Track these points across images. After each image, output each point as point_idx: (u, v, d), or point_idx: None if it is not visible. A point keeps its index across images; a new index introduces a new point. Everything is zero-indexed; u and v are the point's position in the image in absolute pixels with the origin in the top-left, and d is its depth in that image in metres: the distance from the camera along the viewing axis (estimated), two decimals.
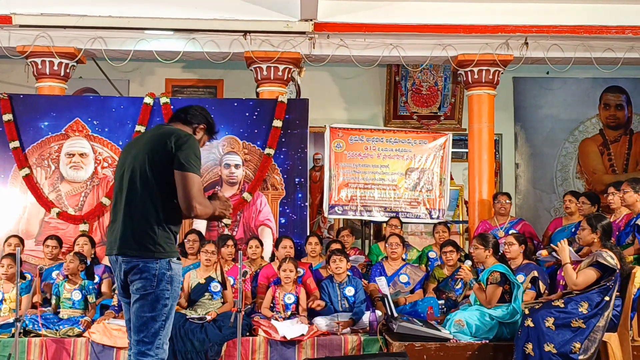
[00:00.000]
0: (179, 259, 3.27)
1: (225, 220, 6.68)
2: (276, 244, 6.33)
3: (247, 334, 5.33)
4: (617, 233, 5.66)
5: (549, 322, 4.63)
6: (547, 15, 6.84)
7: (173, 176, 3.14)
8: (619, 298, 4.75)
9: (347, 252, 6.28)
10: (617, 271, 4.70)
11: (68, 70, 7.16)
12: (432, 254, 6.63)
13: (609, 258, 4.72)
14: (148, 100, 6.78)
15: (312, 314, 5.66)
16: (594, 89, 9.32)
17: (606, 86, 9.29)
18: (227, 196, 3.42)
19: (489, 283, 5.20)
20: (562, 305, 4.69)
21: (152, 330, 3.13)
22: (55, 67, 7.05)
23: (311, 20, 6.58)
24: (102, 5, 6.64)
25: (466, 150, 7.68)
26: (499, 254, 5.47)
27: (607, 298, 4.64)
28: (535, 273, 5.49)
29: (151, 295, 3.13)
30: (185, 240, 6.25)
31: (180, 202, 3.11)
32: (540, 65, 7.55)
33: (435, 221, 7.01)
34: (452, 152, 7.48)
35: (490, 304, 5.14)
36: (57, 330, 5.31)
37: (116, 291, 5.75)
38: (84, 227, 6.59)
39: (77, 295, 5.55)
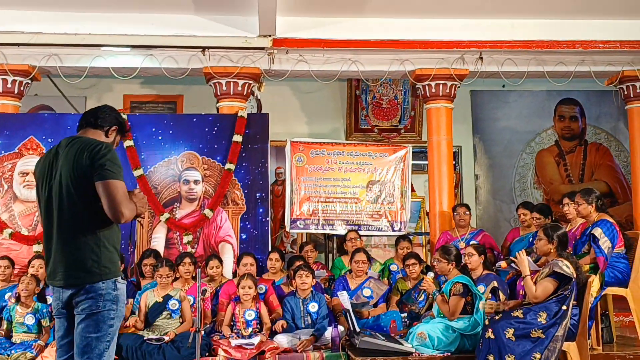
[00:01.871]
0: (123, 278, 3.23)
1: (185, 237, 6.67)
2: (237, 261, 6.26)
3: (207, 354, 5.21)
4: (573, 242, 5.76)
5: (509, 333, 4.68)
6: (501, 30, 6.97)
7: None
8: (576, 307, 4.83)
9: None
10: (574, 280, 4.78)
11: (22, 88, 7.00)
12: (393, 267, 6.65)
13: (565, 267, 4.80)
14: None
15: (274, 331, 5.59)
16: (548, 102, 9.52)
17: (560, 98, 9.50)
18: (142, 194, 3.30)
19: (451, 294, 5.23)
20: (521, 316, 4.75)
21: (97, 351, 3.05)
22: (9, 85, 6.89)
23: (270, 36, 6.58)
24: (57, 22, 6.51)
25: (427, 162, 7.75)
26: (461, 264, 5.52)
27: (564, 307, 4.70)
28: (495, 283, 5.55)
29: (97, 315, 3.06)
30: (142, 264, 6.15)
31: (107, 211, 3.03)
32: (496, 79, 7.69)
33: (397, 233, 7.04)
34: (414, 164, 7.54)
35: (454, 315, 5.17)
36: (8, 355, 5.13)
37: None
38: (37, 247, 6.41)
39: (30, 320, 5.39)
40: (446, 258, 5.38)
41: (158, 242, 6.65)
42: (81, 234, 3.08)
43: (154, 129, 6.80)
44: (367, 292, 6.08)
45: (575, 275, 4.79)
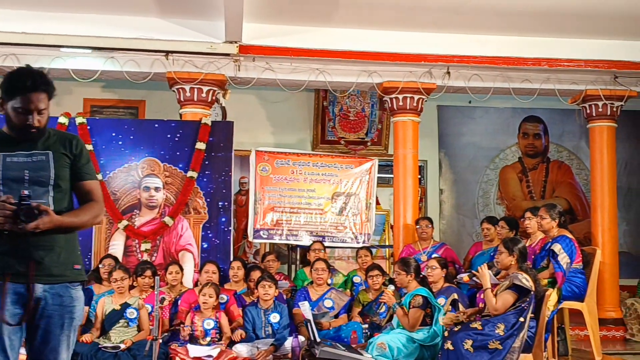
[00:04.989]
0: None
1: (143, 245, 6.52)
2: (200, 269, 6.17)
3: None
4: (532, 257, 5.81)
5: (468, 344, 4.67)
6: (468, 45, 7.01)
7: None
8: (533, 319, 4.85)
9: None
10: (532, 292, 4.80)
11: None
12: (356, 279, 6.61)
13: (524, 280, 4.82)
14: (63, 120, 6.52)
15: (234, 340, 5.50)
16: (513, 119, 9.63)
17: (525, 116, 9.61)
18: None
19: (411, 307, 5.23)
20: (480, 327, 4.75)
21: None
22: None
23: (236, 42, 6.50)
24: (16, 20, 6.33)
25: (393, 175, 7.76)
26: (420, 276, 5.52)
27: (522, 319, 4.72)
28: (455, 295, 5.58)
29: None
30: (100, 265, 6.00)
31: None
32: (463, 94, 7.74)
33: (361, 245, 7.00)
34: (379, 177, 7.53)
35: (413, 327, 5.17)
36: None
37: None
38: None
39: None
40: (405, 270, 5.40)
41: (116, 249, 6.49)
42: None
43: (114, 134, 6.65)
44: (328, 303, 6.03)
45: (533, 288, 4.82)
